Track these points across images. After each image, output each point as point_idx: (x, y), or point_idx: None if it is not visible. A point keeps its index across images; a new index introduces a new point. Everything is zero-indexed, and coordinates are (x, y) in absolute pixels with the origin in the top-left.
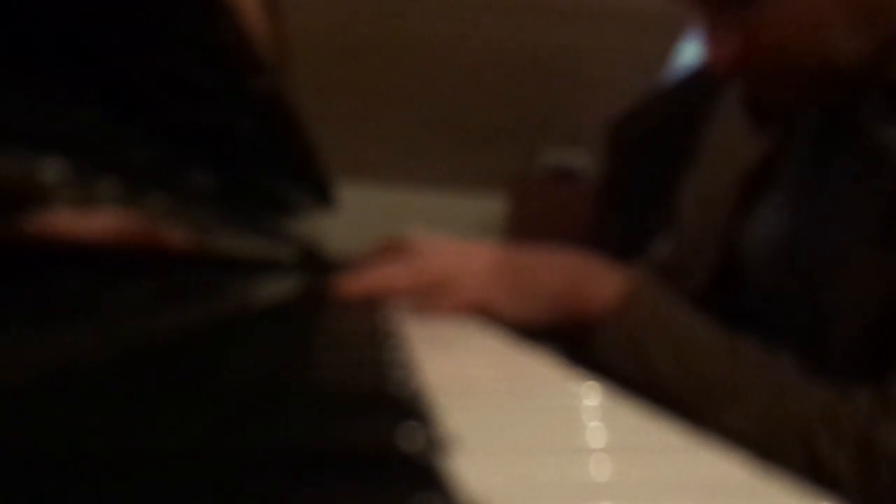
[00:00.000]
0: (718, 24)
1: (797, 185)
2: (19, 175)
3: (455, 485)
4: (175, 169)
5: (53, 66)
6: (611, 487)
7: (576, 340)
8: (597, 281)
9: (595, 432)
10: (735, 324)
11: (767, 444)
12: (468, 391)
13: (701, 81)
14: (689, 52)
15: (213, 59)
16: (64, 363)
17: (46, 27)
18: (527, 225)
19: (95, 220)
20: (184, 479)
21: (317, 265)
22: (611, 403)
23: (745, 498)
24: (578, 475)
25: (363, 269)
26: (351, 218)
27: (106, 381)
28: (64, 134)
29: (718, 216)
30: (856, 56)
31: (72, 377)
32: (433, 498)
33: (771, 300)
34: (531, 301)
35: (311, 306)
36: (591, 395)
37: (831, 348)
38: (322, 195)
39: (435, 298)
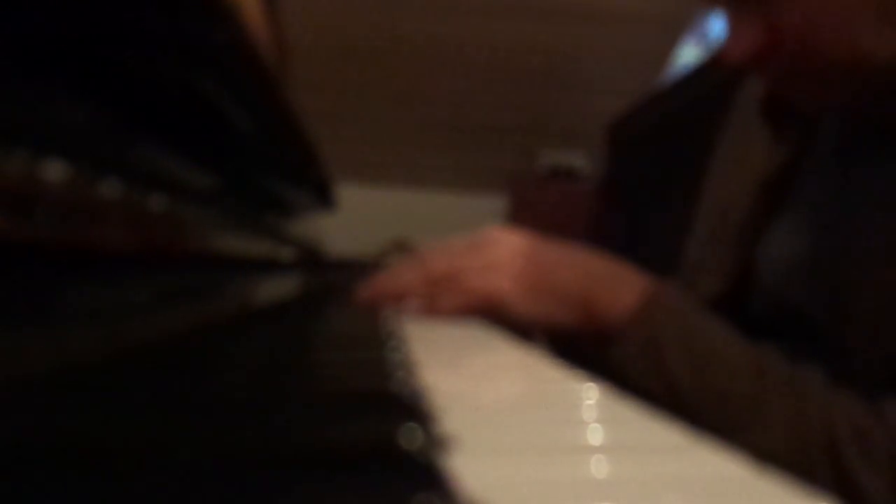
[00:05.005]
0: (741, 16)
1: (819, 193)
2: (20, 176)
3: (455, 484)
4: (175, 169)
5: (55, 66)
6: (610, 486)
7: (589, 346)
8: (617, 284)
9: (594, 431)
10: (748, 335)
11: (793, 460)
12: (467, 390)
13: (701, 81)
14: (689, 53)
15: (216, 60)
16: (64, 363)
17: (46, 27)
18: (526, 225)
19: (96, 221)
20: (184, 478)
21: (317, 265)
22: (611, 403)
23: (744, 497)
24: (578, 474)
25: (374, 277)
26: (351, 218)
27: (106, 381)
28: (65, 135)
29: (736, 225)
30: (888, 54)
31: (72, 377)
32: (434, 497)
33: (789, 312)
34: (548, 300)
35: (311, 306)
36: (590, 395)
37: (855, 364)
38: (322, 195)
39: (443, 294)
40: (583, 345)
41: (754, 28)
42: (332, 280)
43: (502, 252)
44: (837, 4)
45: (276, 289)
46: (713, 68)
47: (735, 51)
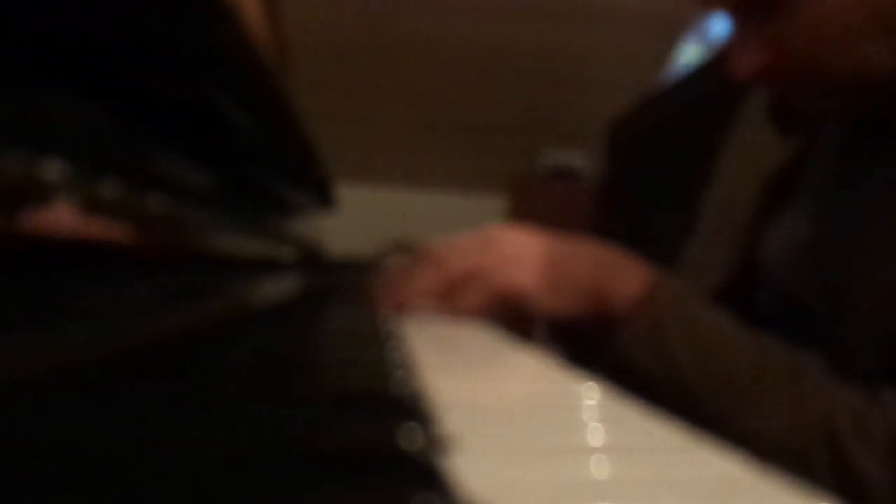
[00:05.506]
0: (745, 33)
1: (822, 191)
2: (20, 175)
3: (455, 484)
4: (175, 169)
5: (55, 66)
6: (611, 487)
7: (594, 336)
8: (623, 273)
9: (595, 432)
10: (751, 327)
11: (793, 447)
12: (468, 391)
13: (701, 82)
14: (690, 53)
15: (216, 60)
16: (64, 363)
17: (46, 27)
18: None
19: (96, 221)
20: (184, 478)
21: (317, 265)
22: (611, 403)
23: (744, 497)
24: (578, 475)
25: (391, 282)
26: (351, 218)
27: (106, 382)
28: (65, 134)
29: (740, 220)
30: (888, 66)
31: (72, 377)
32: (433, 498)
33: (790, 305)
34: (565, 293)
35: (311, 306)
36: (591, 395)
37: (854, 356)
38: (322, 195)
39: (464, 293)
40: (588, 335)
41: (759, 44)
42: (332, 280)
43: (514, 249)
44: (839, 19)
45: (276, 289)
46: (713, 69)
47: (741, 67)
